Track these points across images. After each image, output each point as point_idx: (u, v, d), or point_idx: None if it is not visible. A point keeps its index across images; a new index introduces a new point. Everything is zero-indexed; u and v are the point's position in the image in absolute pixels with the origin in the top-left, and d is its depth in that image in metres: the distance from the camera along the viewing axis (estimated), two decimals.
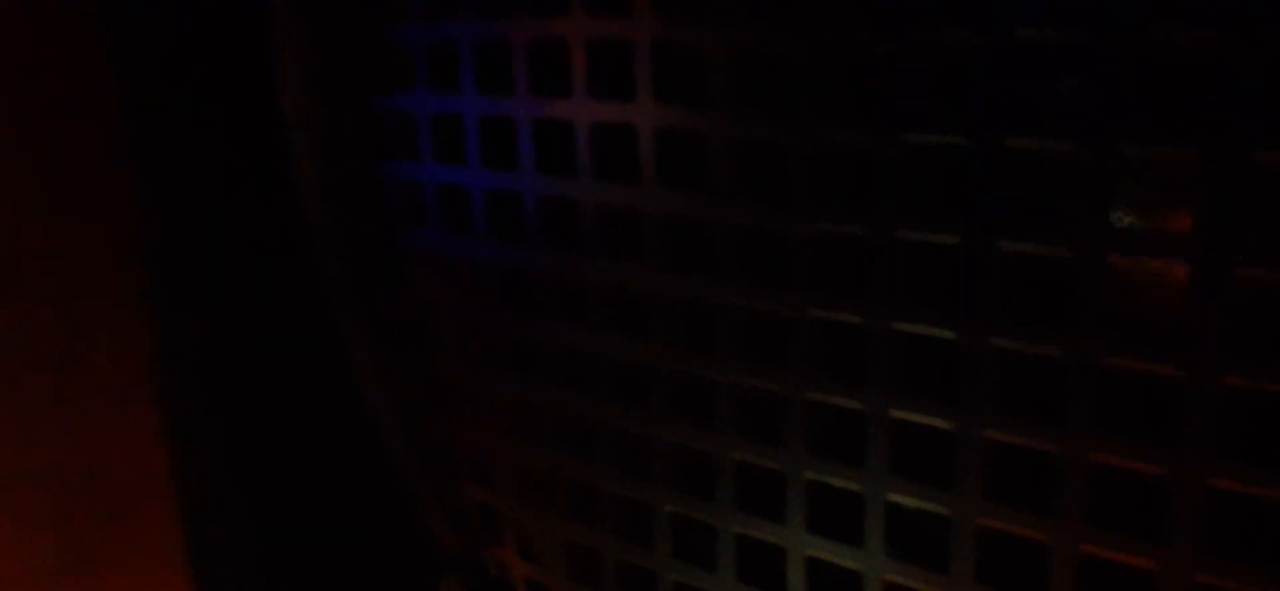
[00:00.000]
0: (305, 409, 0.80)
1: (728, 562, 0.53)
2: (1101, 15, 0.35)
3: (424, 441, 0.67)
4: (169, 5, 0.69)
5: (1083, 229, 0.38)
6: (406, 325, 0.64)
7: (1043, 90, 0.38)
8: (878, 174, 0.42)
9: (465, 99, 0.54)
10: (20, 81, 0.65)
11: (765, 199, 0.45)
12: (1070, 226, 0.38)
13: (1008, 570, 0.44)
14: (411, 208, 0.60)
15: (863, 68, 0.41)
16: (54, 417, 0.71)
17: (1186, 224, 0.36)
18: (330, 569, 0.83)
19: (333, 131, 0.62)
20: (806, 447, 0.48)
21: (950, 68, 0.39)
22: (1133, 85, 0.35)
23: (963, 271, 0.41)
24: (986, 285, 0.40)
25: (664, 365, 0.52)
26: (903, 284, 0.43)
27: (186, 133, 0.72)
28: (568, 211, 0.52)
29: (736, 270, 0.48)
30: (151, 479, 0.74)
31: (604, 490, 0.57)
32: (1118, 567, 0.41)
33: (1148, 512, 0.40)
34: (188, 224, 0.73)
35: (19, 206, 0.67)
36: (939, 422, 0.44)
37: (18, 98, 0.65)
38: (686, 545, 0.55)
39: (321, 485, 0.82)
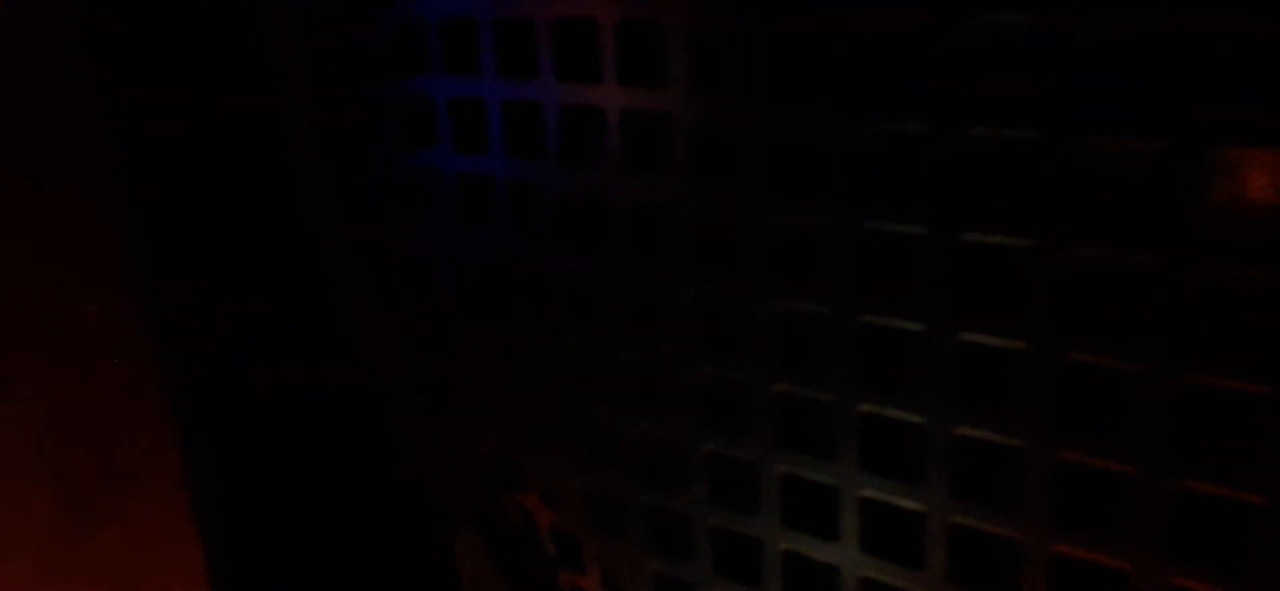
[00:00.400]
0: (309, 369, 0.77)
1: (772, 506, 0.48)
2: None
3: (427, 387, 0.63)
4: None
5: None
6: (403, 259, 0.59)
7: None
8: None
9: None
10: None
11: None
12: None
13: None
14: (417, 127, 0.55)
15: None
16: (51, 373, 0.69)
17: None
18: (337, 529, 0.81)
19: (323, 47, 0.58)
20: (857, 379, 0.44)
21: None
22: None
23: None
24: None
25: (688, 290, 0.47)
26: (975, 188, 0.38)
27: (175, 88, 0.68)
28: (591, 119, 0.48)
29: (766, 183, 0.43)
30: (151, 436, 0.71)
31: (629, 430, 0.52)
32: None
33: None
34: (184, 179, 0.70)
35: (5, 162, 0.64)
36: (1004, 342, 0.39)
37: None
38: (724, 487, 0.50)
39: (326, 445, 0.79)
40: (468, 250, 0.56)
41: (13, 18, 0.62)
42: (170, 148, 0.68)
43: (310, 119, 0.60)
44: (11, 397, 0.68)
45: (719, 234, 0.45)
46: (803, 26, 0.40)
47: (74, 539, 0.73)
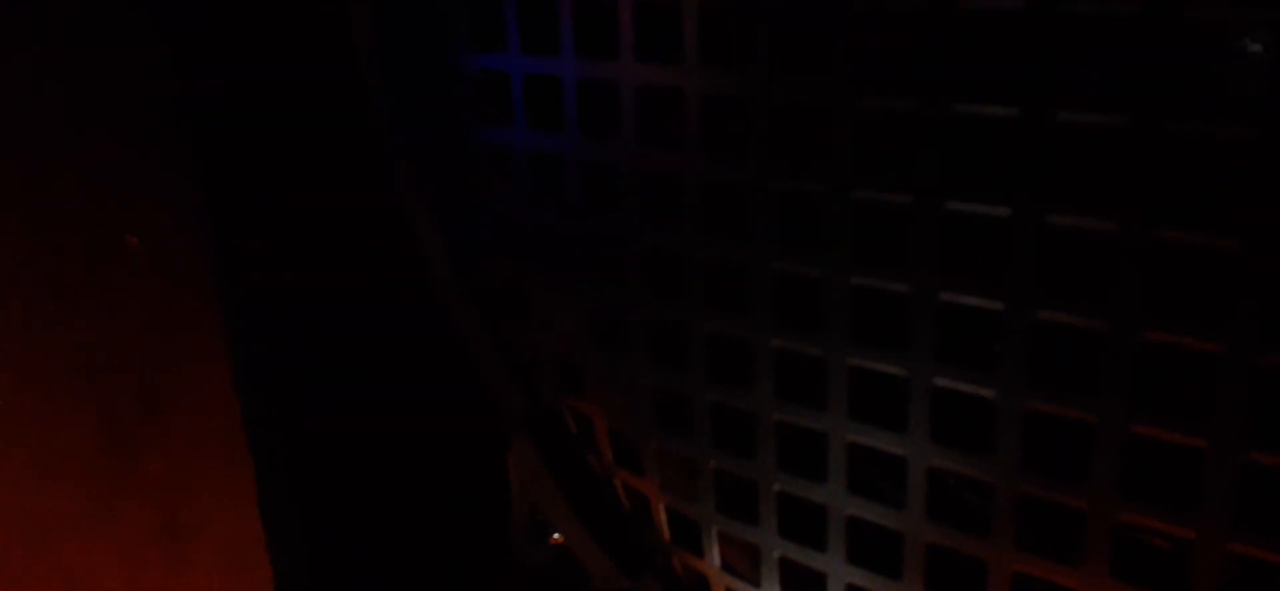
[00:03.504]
0: (356, 275, 0.77)
1: (839, 400, 0.49)
2: None
3: (487, 287, 0.63)
4: None
5: None
6: (462, 158, 0.59)
7: None
8: None
9: None
10: None
11: None
12: None
13: None
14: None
15: None
16: (94, 301, 0.70)
17: None
18: (393, 450, 0.81)
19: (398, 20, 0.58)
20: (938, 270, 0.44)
21: None
22: None
23: None
24: None
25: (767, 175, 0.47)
26: None
27: (241, 35, 0.69)
28: None
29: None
30: (194, 364, 0.72)
31: (696, 328, 0.53)
32: None
33: None
34: (245, 115, 0.71)
35: (57, 88, 0.65)
36: None
37: None
38: (791, 386, 0.51)
39: (375, 358, 0.79)
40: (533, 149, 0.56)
41: None
42: (235, 91, 0.69)
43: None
44: (58, 325, 0.69)
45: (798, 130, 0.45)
46: None
47: (117, 464, 0.74)
